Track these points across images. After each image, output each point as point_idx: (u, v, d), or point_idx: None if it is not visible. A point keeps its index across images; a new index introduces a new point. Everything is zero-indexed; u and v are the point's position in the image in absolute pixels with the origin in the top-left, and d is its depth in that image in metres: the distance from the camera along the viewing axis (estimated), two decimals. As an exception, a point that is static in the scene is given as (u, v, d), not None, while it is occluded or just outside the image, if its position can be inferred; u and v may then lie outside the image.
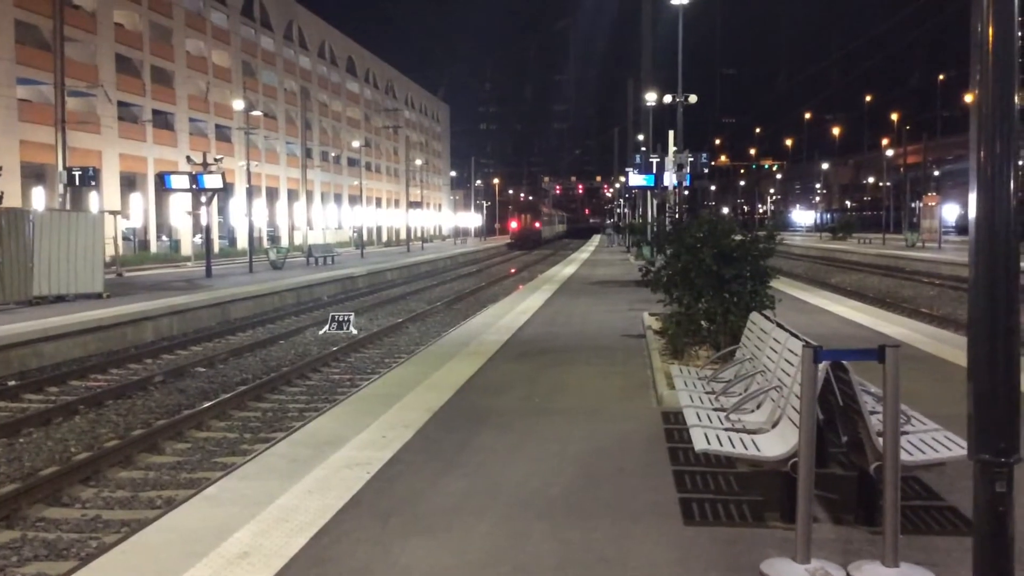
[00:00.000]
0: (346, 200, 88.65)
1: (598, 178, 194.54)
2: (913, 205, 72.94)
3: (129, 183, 53.60)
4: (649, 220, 43.15)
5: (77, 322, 17.48)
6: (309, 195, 75.17)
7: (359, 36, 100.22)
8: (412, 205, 79.74)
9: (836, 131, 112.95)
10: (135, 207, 53.50)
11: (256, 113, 60.10)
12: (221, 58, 65.99)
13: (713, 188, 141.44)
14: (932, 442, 5.29)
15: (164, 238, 57.25)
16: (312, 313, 25.37)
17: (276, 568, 4.66)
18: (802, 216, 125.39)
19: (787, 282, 24.88)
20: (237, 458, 9.34)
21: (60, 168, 30.12)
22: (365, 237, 64.07)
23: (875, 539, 4.81)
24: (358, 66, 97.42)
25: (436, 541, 5.06)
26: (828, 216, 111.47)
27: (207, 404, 12.41)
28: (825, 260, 50.16)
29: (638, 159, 39.61)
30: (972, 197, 3.48)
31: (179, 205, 52.16)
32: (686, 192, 38.48)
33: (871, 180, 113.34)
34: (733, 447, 5.30)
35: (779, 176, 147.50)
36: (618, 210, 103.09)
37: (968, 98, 3.60)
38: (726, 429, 5.72)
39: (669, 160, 34.45)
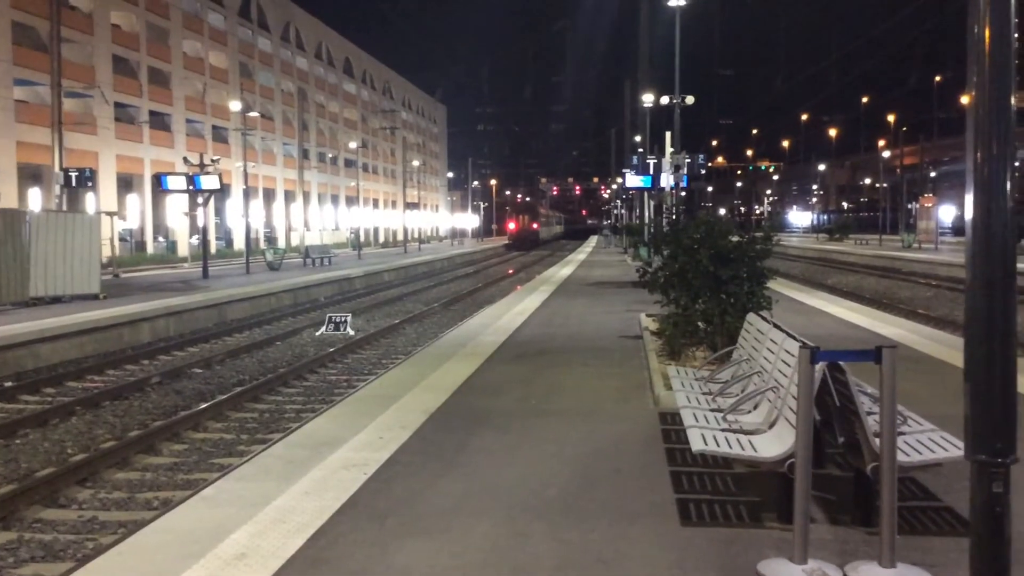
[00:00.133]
0: (343, 201, 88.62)
1: (595, 179, 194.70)
2: (909, 206, 73.06)
3: (126, 184, 53.54)
4: (646, 221, 43.18)
5: (74, 323, 17.46)
6: (306, 196, 75.11)
7: (356, 37, 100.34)
8: (409, 206, 79.78)
9: (833, 132, 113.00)
10: (132, 208, 53.44)
11: (253, 114, 60.05)
12: (218, 59, 65.96)
13: (710, 189, 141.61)
14: (929, 443, 5.30)
15: (161, 239, 57.20)
16: (309, 314, 25.36)
17: (273, 569, 4.66)
18: (799, 217, 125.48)
19: (784, 283, 24.90)
20: (234, 459, 9.34)
21: (57, 169, 30.11)
22: (362, 238, 64.04)
23: (872, 540, 4.81)
24: (355, 67, 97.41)
25: (433, 542, 5.06)
26: (825, 217, 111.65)
27: (204, 405, 12.40)
28: (822, 261, 50.20)
29: (635, 160, 39.60)
30: (969, 198, 3.49)
31: (176, 206, 52.15)
32: (683, 193, 38.47)
33: (868, 181, 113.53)
34: (730, 448, 5.31)
35: (776, 177, 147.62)
36: (615, 211, 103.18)
37: (965, 100, 3.61)
38: (723, 430, 5.72)
39: (666, 161, 34.44)
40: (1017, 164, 3.55)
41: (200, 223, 36.18)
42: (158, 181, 34.06)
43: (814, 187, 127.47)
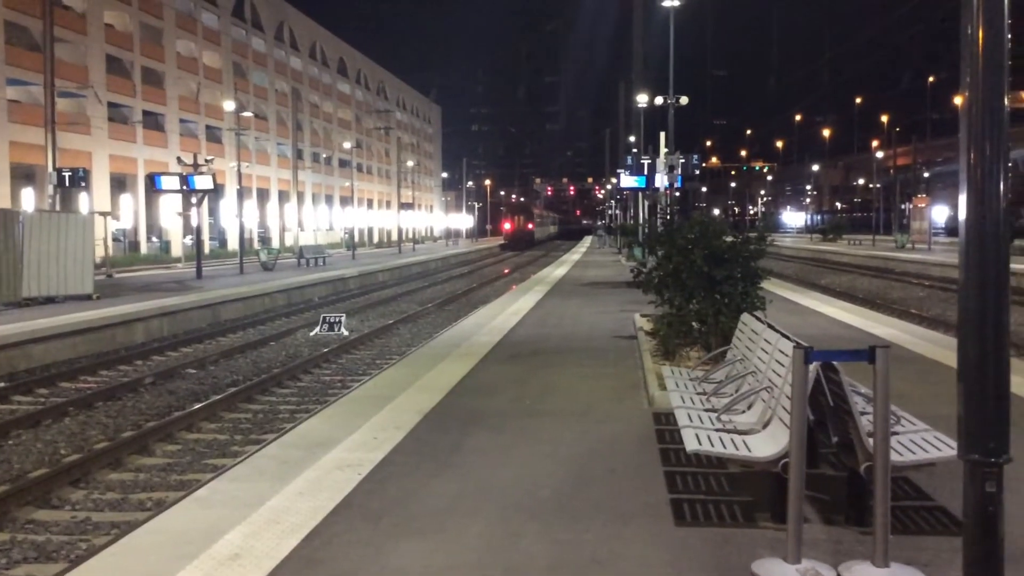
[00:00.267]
0: (337, 201, 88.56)
1: (589, 179, 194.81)
2: (903, 207, 73.21)
3: (119, 184, 53.42)
4: (640, 221, 43.23)
5: (67, 323, 17.41)
6: (300, 196, 75.12)
7: (350, 37, 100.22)
8: (403, 206, 79.75)
9: (826, 133, 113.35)
10: (125, 208, 53.32)
11: (247, 114, 60.01)
12: (212, 59, 65.83)
13: (704, 189, 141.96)
14: (922, 442, 5.31)
15: (154, 239, 57.07)
16: (303, 314, 25.32)
17: (267, 570, 4.65)
18: (792, 217, 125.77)
19: (778, 283, 24.94)
20: (228, 460, 9.32)
21: (50, 169, 29.99)
22: (356, 238, 64.04)
23: (865, 539, 4.83)
24: (349, 67, 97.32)
25: (428, 542, 5.05)
26: (818, 217, 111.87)
27: (197, 406, 12.37)
28: (815, 261, 50.30)
29: (629, 160, 39.67)
30: (962, 199, 3.50)
31: (169, 206, 52.00)
32: (677, 193, 38.53)
33: (861, 182, 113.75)
34: (724, 448, 5.31)
35: (770, 178, 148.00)
36: (609, 211, 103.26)
37: (958, 100, 3.62)
38: (717, 430, 5.73)
39: (660, 162, 34.50)
40: (1010, 165, 3.56)
41: (194, 223, 36.10)
42: (152, 181, 33.97)
43: (808, 187, 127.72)
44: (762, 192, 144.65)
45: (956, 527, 5.05)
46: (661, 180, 34.31)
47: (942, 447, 5.19)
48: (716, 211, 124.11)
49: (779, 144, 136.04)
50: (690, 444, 5.38)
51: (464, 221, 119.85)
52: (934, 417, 6.13)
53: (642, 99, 42.79)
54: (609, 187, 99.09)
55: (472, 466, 6.65)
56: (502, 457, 6.91)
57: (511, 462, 6.76)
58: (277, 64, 77.39)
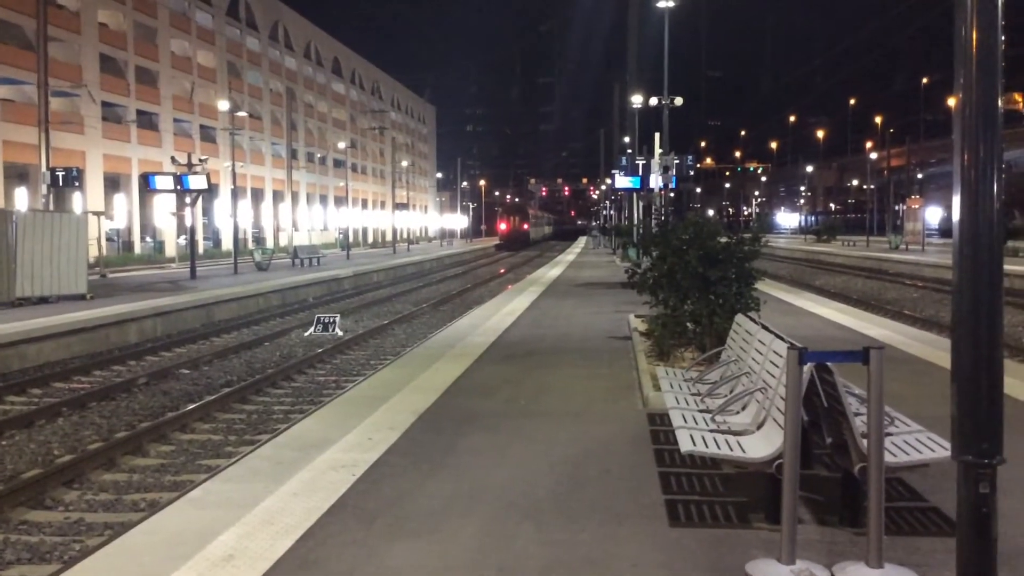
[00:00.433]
0: (332, 201, 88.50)
1: (584, 180, 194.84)
2: (897, 208, 73.40)
3: (113, 184, 53.32)
4: (635, 222, 43.25)
5: (60, 323, 17.37)
6: (295, 196, 74.94)
7: (345, 37, 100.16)
8: (398, 207, 79.70)
9: (820, 134, 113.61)
10: (119, 208, 53.21)
11: (241, 114, 59.92)
12: (206, 58, 65.74)
13: (699, 190, 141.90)
14: (916, 443, 5.32)
15: (148, 239, 56.97)
16: (297, 315, 25.29)
17: (261, 571, 4.64)
18: (787, 218, 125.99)
19: (772, 284, 24.97)
20: (222, 460, 9.31)
21: (43, 168, 29.90)
22: (351, 238, 63.91)
23: (859, 540, 4.83)
24: (344, 67, 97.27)
25: (422, 543, 5.05)
26: (813, 218, 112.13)
27: (191, 406, 12.35)
28: (809, 262, 50.38)
29: (624, 161, 39.69)
30: (956, 200, 3.51)
31: (163, 206, 51.90)
32: (672, 194, 38.57)
33: (855, 183, 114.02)
34: (719, 448, 5.32)
35: (764, 178, 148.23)
36: (604, 212, 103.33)
37: (951, 101, 3.63)
38: (712, 431, 5.73)
39: (655, 162, 34.55)
40: (1004, 166, 3.57)
41: (188, 223, 36.04)
42: (145, 181, 33.87)
43: (802, 188, 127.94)
44: (756, 193, 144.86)
45: (950, 528, 5.06)
46: (656, 181, 34.34)
47: (936, 448, 5.20)
48: (711, 212, 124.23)
49: (773, 145, 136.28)
50: (684, 445, 5.38)
51: (459, 221, 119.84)
52: (928, 418, 6.14)
53: (637, 100, 42.83)
54: (604, 188, 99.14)
55: (467, 467, 6.65)
56: (497, 458, 6.91)
57: (506, 463, 6.76)
58: (271, 64, 77.32)
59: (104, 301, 22.01)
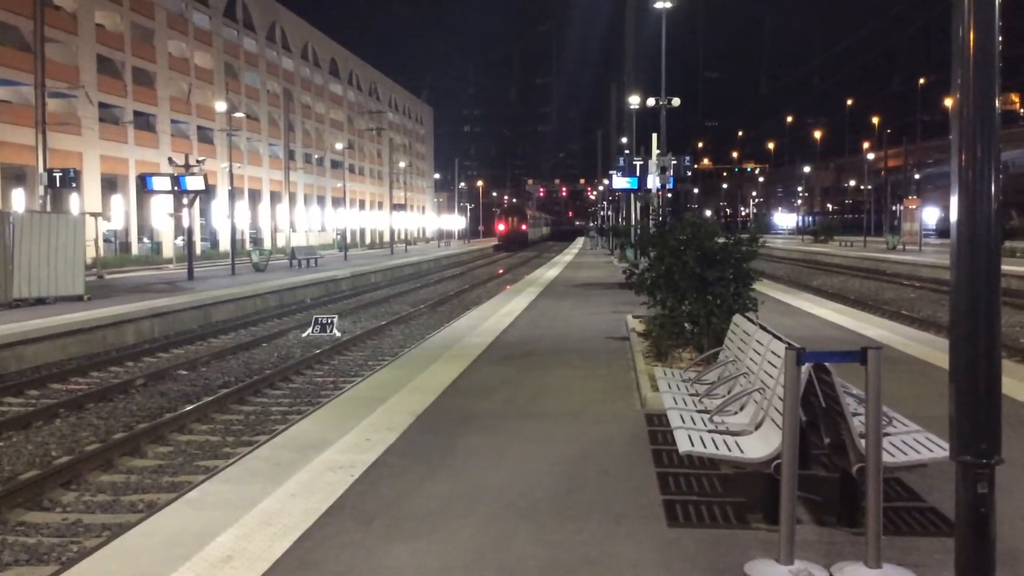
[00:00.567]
0: (329, 202, 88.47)
1: (582, 181, 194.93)
2: (894, 208, 73.47)
3: (110, 185, 53.28)
4: (633, 223, 43.28)
5: (57, 325, 17.35)
6: (292, 197, 74.98)
7: (342, 38, 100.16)
8: (396, 207, 79.70)
9: (818, 135, 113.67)
10: (116, 209, 53.18)
11: (238, 115, 59.87)
12: (203, 59, 65.71)
13: (696, 191, 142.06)
14: (914, 443, 5.33)
15: (145, 240, 56.93)
16: (295, 316, 25.28)
17: (259, 572, 4.64)
18: (784, 219, 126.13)
19: (769, 284, 25.00)
20: (219, 462, 9.29)
21: (41, 170, 29.92)
22: (348, 239, 63.88)
23: (857, 540, 4.84)
24: (341, 68, 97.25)
25: (420, 544, 5.05)
26: (810, 219, 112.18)
27: (189, 407, 12.33)
28: (807, 263, 50.42)
29: (622, 162, 39.74)
30: (954, 201, 3.51)
31: (161, 207, 51.92)
32: (669, 195, 38.61)
33: (852, 183, 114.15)
34: (717, 449, 5.32)
35: (761, 179, 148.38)
36: (602, 212, 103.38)
37: (948, 102, 3.63)
38: (710, 431, 5.73)
39: (652, 163, 34.59)
40: (1001, 166, 3.57)
41: (185, 224, 36.04)
42: (143, 182, 33.86)
43: (799, 189, 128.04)
44: (754, 193, 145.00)
45: (948, 528, 5.07)
46: (653, 181, 34.39)
47: (934, 448, 5.21)
48: (708, 212, 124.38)
49: (770, 145, 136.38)
50: (683, 445, 5.39)
51: (456, 222, 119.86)
52: (926, 418, 6.15)
53: (634, 100, 42.86)
54: (601, 188, 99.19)
55: (465, 467, 6.65)
56: (495, 458, 6.91)
57: (504, 463, 6.76)
58: (269, 65, 77.29)
59: (101, 302, 21.99)
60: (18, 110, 44.05)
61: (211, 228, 65.36)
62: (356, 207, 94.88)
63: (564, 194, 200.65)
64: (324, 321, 20.78)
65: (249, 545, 5.00)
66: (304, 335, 20.41)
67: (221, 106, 52.72)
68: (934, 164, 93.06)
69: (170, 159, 38.52)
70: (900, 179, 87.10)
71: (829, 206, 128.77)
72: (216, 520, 5.42)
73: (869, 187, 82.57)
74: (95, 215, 36.58)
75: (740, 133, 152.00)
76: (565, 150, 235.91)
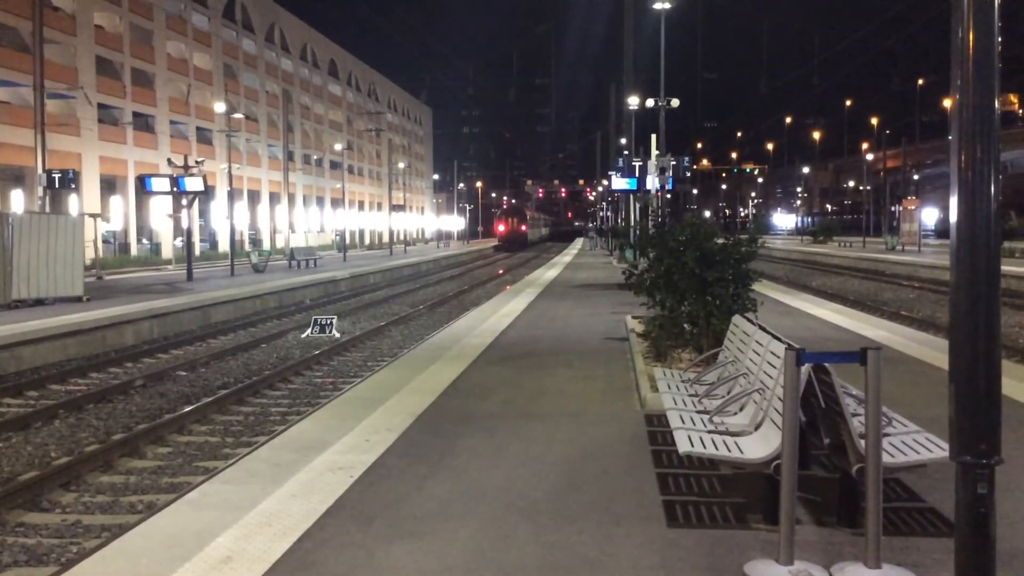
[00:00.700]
0: (328, 203, 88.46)
1: (580, 181, 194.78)
2: (893, 209, 73.49)
3: (109, 186, 53.27)
4: (632, 223, 43.27)
5: (56, 325, 17.34)
6: (291, 198, 75.00)
7: (341, 39, 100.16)
8: (395, 208, 79.70)
9: (816, 135, 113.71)
10: (115, 210, 53.17)
11: (237, 116, 59.84)
12: (202, 60, 65.70)
13: (695, 192, 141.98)
14: (913, 444, 5.33)
15: (145, 241, 56.91)
16: (294, 316, 25.27)
17: (259, 573, 4.64)
18: (783, 219, 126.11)
19: (769, 285, 25.00)
20: (219, 462, 9.29)
21: (39, 171, 29.87)
22: (347, 240, 63.87)
23: (857, 540, 4.84)
24: (340, 69, 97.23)
25: (420, 545, 5.05)
26: (809, 219, 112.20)
27: (188, 408, 12.33)
28: (806, 263, 50.43)
29: (621, 163, 39.72)
30: (953, 201, 3.51)
31: (160, 208, 51.91)
32: (668, 196, 38.62)
33: (851, 184, 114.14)
34: (716, 449, 5.32)
35: (760, 180, 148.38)
36: (601, 213, 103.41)
37: (948, 103, 3.64)
38: (709, 431, 5.73)
39: (651, 164, 34.58)
40: (1000, 167, 3.58)
41: (184, 225, 36.03)
42: (142, 183, 33.87)
43: (798, 189, 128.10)
44: (753, 194, 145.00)
45: (948, 528, 5.07)
46: (652, 182, 34.39)
47: (933, 448, 5.21)
48: (707, 213, 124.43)
49: (769, 146, 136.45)
50: (682, 446, 5.39)
51: (455, 223, 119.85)
52: (925, 419, 6.15)
53: (633, 101, 42.86)
54: (600, 189, 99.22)
55: (464, 468, 6.65)
56: (494, 459, 6.91)
57: (503, 464, 6.76)
58: (268, 65, 77.27)
59: (100, 303, 21.98)
60: (17, 111, 44.04)
61: (210, 229, 65.33)
62: (355, 208, 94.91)
63: (563, 195, 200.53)
64: (323, 322, 20.78)
65: (249, 546, 5.00)
66: (303, 336, 20.41)
67: (220, 107, 52.72)
68: (933, 165, 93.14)
69: (169, 160, 38.53)
70: (899, 180, 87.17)
71: (828, 207, 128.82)
72: (216, 521, 5.42)
73: (868, 188, 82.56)
74: (94, 216, 36.56)
75: (739, 134, 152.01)
76: (564, 151, 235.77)
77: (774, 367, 5.58)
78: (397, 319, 23.81)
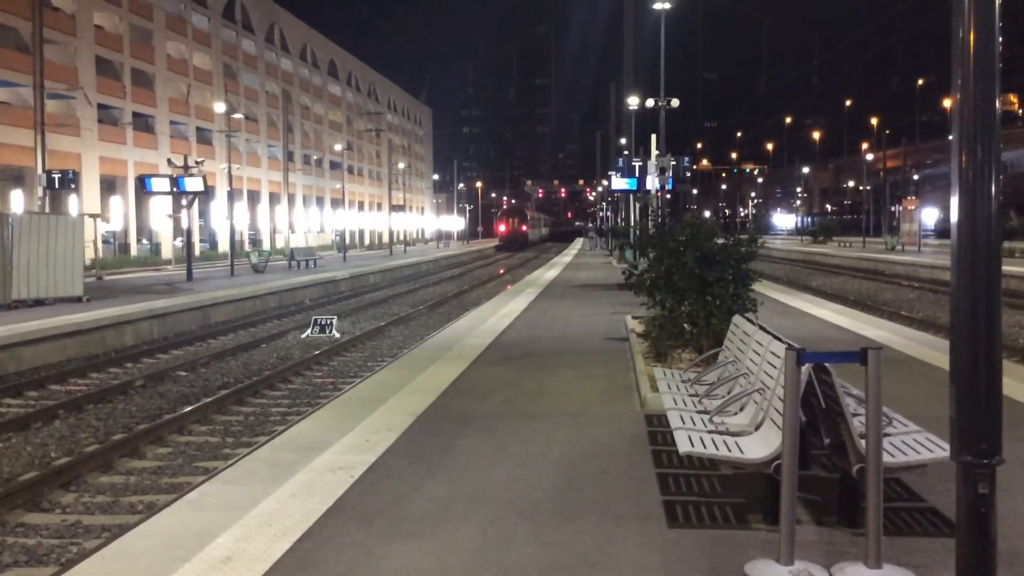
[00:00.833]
0: (328, 203, 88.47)
1: (581, 181, 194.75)
2: (892, 209, 73.50)
3: (109, 186, 53.26)
4: (632, 224, 43.27)
5: (56, 326, 17.33)
6: (291, 198, 75.02)
7: (341, 39, 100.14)
8: (395, 208, 79.72)
9: (816, 135, 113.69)
10: (115, 210, 53.16)
11: (237, 116, 59.85)
12: (202, 60, 65.70)
13: (695, 192, 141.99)
14: (914, 444, 5.33)
15: (144, 241, 56.91)
16: (294, 317, 25.27)
17: (259, 573, 4.63)
18: (783, 219, 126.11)
19: (769, 285, 25.00)
20: (219, 463, 9.29)
21: (39, 171, 29.86)
22: (347, 240, 63.87)
23: (858, 540, 4.84)
24: (340, 69, 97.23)
25: (420, 545, 5.04)
26: (809, 220, 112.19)
27: (188, 408, 12.33)
28: (806, 263, 50.43)
29: (621, 163, 39.72)
30: (954, 201, 3.51)
31: (159, 208, 51.91)
32: (668, 196, 38.62)
33: (851, 184, 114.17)
34: (716, 449, 5.32)
35: (760, 180, 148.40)
36: (601, 213, 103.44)
37: (947, 103, 3.64)
38: (709, 431, 5.73)
39: (651, 164, 34.58)
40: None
41: (184, 225, 36.03)
42: (142, 183, 33.87)
43: (798, 190, 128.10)
44: (752, 194, 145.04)
45: (948, 528, 5.07)
46: (652, 182, 34.39)
47: (934, 448, 5.21)
48: (707, 213, 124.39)
49: (769, 146, 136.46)
50: (682, 446, 5.38)
51: (455, 223, 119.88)
52: (926, 419, 6.15)
53: (633, 101, 42.86)
54: (600, 189, 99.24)
55: (464, 468, 6.65)
56: (494, 459, 6.91)
57: (503, 464, 6.76)
58: (268, 66, 77.27)
59: (100, 303, 21.98)
60: (17, 111, 44.04)
61: (210, 229, 65.33)
62: (355, 208, 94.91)
63: (563, 195, 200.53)
64: (323, 322, 20.78)
65: (249, 546, 5.00)
66: (303, 336, 20.40)
67: (220, 107, 52.71)
68: (933, 165, 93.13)
69: (169, 160, 38.51)
70: (899, 180, 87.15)
71: (828, 207, 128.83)
72: (215, 521, 5.42)
73: (868, 188, 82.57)
74: (94, 216, 36.57)
75: (739, 134, 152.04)
76: (564, 151, 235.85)
77: (774, 367, 5.58)
78: (397, 319, 23.81)
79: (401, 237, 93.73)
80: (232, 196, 45.34)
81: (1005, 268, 23.91)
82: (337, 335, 20.15)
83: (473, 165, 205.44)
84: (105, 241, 47.51)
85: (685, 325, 11.08)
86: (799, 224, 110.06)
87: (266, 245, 67.47)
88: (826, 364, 5.12)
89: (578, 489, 6.09)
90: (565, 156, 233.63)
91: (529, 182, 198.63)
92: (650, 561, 4.77)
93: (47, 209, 29.85)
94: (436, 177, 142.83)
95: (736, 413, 6.26)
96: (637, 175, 35.87)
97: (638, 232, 36.37)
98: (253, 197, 72.35)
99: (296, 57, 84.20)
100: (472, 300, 29.56)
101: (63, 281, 22.30)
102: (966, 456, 3.48)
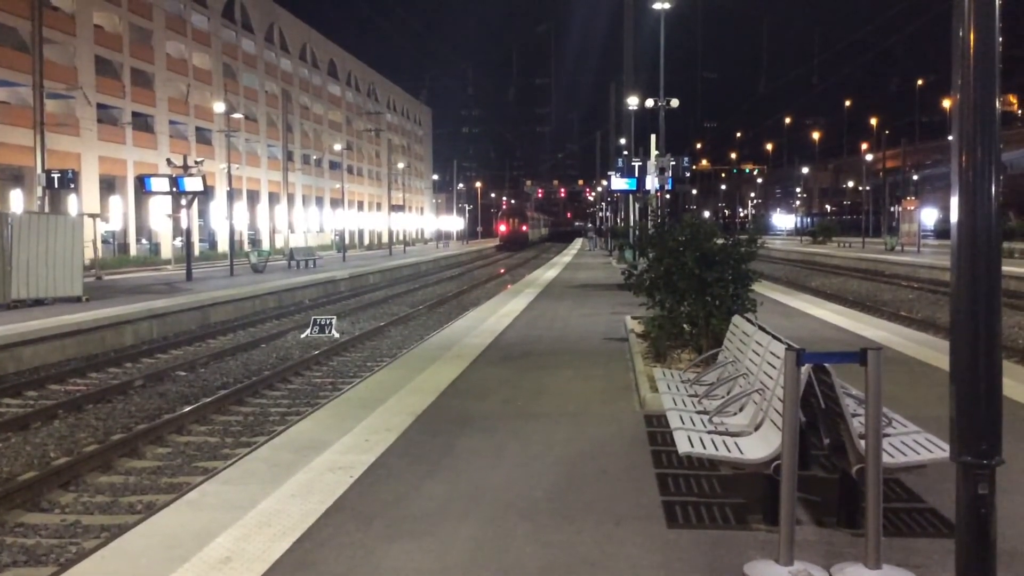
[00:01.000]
0: (328, 203, 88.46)
1: (580, 182, 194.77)
2: (892, 209, 73.51)
3: (108, 186, 53.23)
4: (631, 224, 43.28)
5: (56, 326, 17.33)
6: (290, 198, 75.00)
7: (341, 39, 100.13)
8: (394, 208, 79.72)
9: (816, 136, 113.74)
10: (115, 210, 53.13)
11: (237, 116, 59.84)
12: (201, 60, 65.68)
13: (695, 192, 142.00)
14: (914, 444, 5.33)
15: (144, 241, 56.89)
16: (293, 317, 25.27)
17: (258, 573, 4.63)
18: (782, 220, 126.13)
19: (768, 285, 25.00)
20: (218, 463, 9.29)
21: (39, 171, 29.86)
22: (347, 240, 63.87)
23: (857, 541, 4.83)
24: (340, 69, 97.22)
25: (419, 545, 5.04)
26: (808, 220, 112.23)
27: (188, 408, 12.33)
28: (805, 264, 50.43)
29: (620, 163, 39.73)
30: (954, 201, 3.51)
31: (159, 208, 51.87)
32: (668, 196, 38.62)
33: (851, 184, 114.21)
34: (716, 450, 5.32)
35: (760, 180, 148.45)
36: (600, 214, 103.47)
37: (947, 103, 3.64)
38: (709, 432, 5.73)
39: (651, 164, 34.60)
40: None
41: (184, 225, 36.02)
42: (141, 183, 33.86)
43: (797, 190, 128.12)
44: (752, 195, 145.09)
45: (948, 529, 5.07)
46: (651, 182, 34.41)
47: (933, 449, 5.21)
48: (706, 213, 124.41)
49: (769, 147, 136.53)
50: (682, 446, 5.38)
51: (455, 223, 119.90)
52: (925, 419, 6.15)
53: (633, 101, 42.86)
54: (600, 189, 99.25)
55: (464, 468, 6.64)
56: (494, 459, 6.90)
57: (503, 464, 6.76)
58: (267, 66, 77.25)
59: (100, 303, 21.97)
60: (16, 111, 44.02)
61: (209, 229, 65.30)
62: (354, 208, 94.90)
63: (562, 195, 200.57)
64: (323, 322, 20.77)
65: (248, 546, 5.00)
66: (303, 336, 20.40)
67: (219, 107, 52.72)
68: (932, 165, 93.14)
69: (168, 160, 38.48)
70: (898, 180, 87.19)
71: (827, 207, 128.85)
72: (215, 521, 5.42)
73: (867, 188, 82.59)
74: (93, 216, 36.56)
75: (739, 134, 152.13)
76: (564, 151, 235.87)
77: (774, 367, 5.58)
78: (396, 319, 23.81)
79: (400, 237, 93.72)
80: (231, 196, 45.34)
81: (1005, 268, 23.91)
82: (336, 335, 20.15)
83: (473, 165, 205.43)
84: (104, 241, 47.50)
85: (684, 325, 11.08)
86: (798, 224, 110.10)
87: (265, 245, 67.44)
88: (826, 364, 5.12)
89: (578, 489, 6.09)
90: (565, 156, 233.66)
91: (529, 182, 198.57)
92: (650, 561, 4.77)
93: (46, 209, 29.85)
94: (436, 177, 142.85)
95: (736, 413, 6.26)
96: (637, 175, 35.87)
97: (637, 232, 36.40)
98: (252, 197, 72.34)
99: (296, 57, 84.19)
100: (471, 300, 29.56)
101: (62, 281, 22.30)
102: (966, 456, 3.48)
